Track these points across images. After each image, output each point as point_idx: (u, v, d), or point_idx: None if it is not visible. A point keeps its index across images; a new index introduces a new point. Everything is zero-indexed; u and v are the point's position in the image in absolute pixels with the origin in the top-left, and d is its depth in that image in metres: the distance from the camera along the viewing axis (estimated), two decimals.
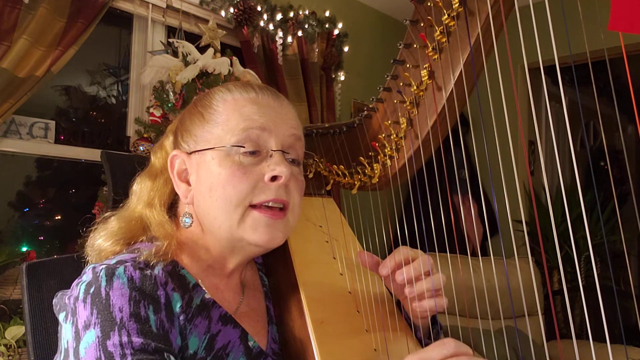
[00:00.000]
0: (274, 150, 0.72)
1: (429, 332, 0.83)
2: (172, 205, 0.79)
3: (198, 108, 0.76)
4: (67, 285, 0.66)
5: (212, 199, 0.71)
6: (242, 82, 0.79)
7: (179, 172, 0.75)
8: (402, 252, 0.76)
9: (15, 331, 1.65)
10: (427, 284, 0.74)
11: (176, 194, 0.78)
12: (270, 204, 0.71)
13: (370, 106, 0.87)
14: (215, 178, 0.70)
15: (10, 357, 1.64)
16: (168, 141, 0.81)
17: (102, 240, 0.73)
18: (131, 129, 2.24)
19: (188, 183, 0.75)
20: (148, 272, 0.64)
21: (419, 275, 0.74)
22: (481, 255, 3.22)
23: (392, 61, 0.81)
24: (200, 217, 0.74)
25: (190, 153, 0.74)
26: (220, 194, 0.70)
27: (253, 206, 0.71)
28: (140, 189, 0.78)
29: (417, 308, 0.76)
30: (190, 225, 0.74)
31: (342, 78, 2.88)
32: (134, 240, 0.74)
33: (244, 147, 0.71)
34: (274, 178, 0.71)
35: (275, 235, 0.72)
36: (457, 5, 0.70)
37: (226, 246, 0.74)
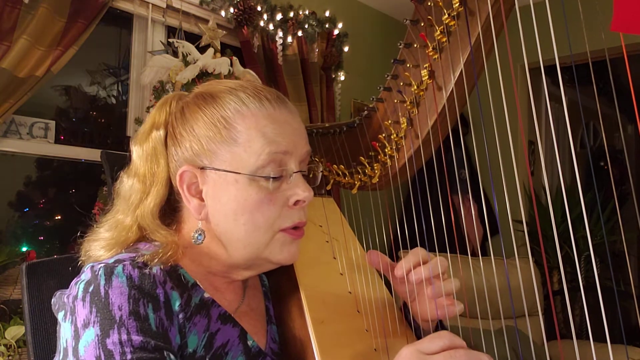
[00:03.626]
0: (295, 172, 0.72)
1: None
2: (172, 210, 0.76)
3: (208, 117, 0.71)
4: (67, 285, 0.65)
5: (237, 222, 0.69)
6: (250, 88, 0.73)
7: (189, 186, 0.71)
8: (418, 253, 0.76)
9: (15, 331, 1.65)
10: (446, 286, 0.74)
11: (170, 197, 0.74)
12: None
13: (371, 106, 0.87)
14: (241, 203, 0.69)
15: (10, 357, 1.64)
16: (156, 134, 0.73)
17: (101, 253, 0.71)
18: (131, 129, 2.24)
19: (199, 198, 0.71)
20: (146, 270, 0.64)
21: (430, 277, 0.74)
22: (481, 255, 3.22)
23: (392, 61, 0.81)
24: (220, 235, 0.71)
25: (204, 168, 0.70)
26: (247, 219, 0.69)
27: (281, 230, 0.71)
28: (130, 193, 0.73)
29: (433, 311, 0.76)
30: (202, 242, 0.72)
31: (342, 78, 2.88)
32: (131, 242, 0.72)
33: (271, 177, 0.69)
34: (297, 202, 0.71)
35: (296, 252, 0.74)
36: (457, 4, 0.70)
37: (244, 263, 0.73)
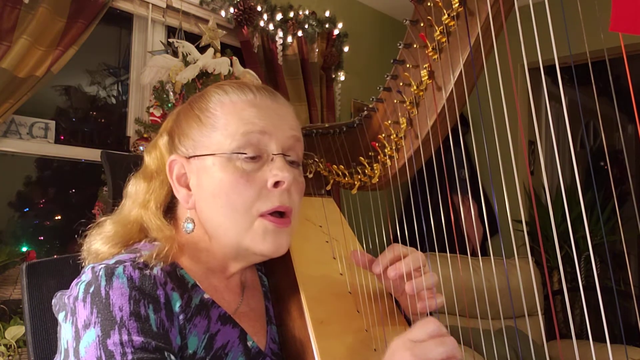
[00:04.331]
0: (275, 154, 0.71)
1: None
2: (170, 208, 0.78)
3: (194, 111, 0.75)
4: (67, 285, 0.66)
5: (216, 205, 0.70)
6: (237, 82, 0.77)
7: (178, 177, 0.74)
8: (395, 249, 0.76)
9: (15, 331, 1.65)
10: (425, 280, 0.74)
11: (173, 196, 0.77)
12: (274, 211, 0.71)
13: (370, 106, 0.87)
14: (218, 185, 0.70)
15: (10, 357, 1.64)
16: (162, 141, 0.79)
17: (99, 245, 0.72)
18: (131, 129, 2.24)
19: (188, 188, 0.74)
20: (147, 272, 0.64)
21: (410, 272, 0.74)
22: (481, 255, 3.22)
23: (392, 61, 0.81)
24: (204, 222, 0.73)
25: (189, 157, 0.73)
26: (224, 201, 0.69)
27: (261, 215, 0.70)
28: (136, 191, 0.76)
29: (416, 306, 0.76)
30: (192, 231, 0.73)
31: (342, 78, 2.88)
32: (132, 241, 0.73)
33: (245, 153, 0.70)
34: (276, 183, 0.70)
35: (281, 244, 0.72)
36: (457, 5, 0.70)
37: (230, 252, 0.74)
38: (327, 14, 2.79)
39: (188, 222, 0.73)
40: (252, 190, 0.69)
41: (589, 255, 2.99)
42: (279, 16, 2.56)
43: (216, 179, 0.70)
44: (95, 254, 0.72)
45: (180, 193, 0.74)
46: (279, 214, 0.72)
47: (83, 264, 0.73)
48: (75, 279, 0.65)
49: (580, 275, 3.07)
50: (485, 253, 3.30)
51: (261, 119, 0.72)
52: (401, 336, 0.59)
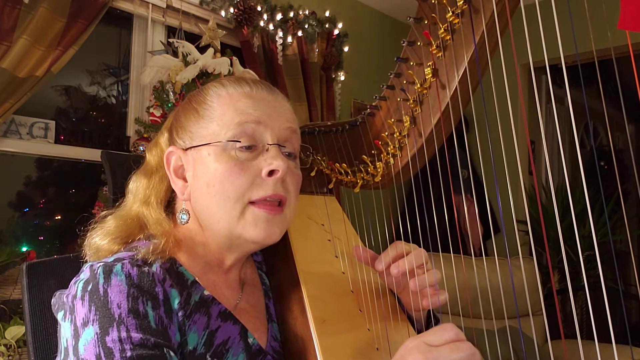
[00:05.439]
0: (270, 144, 0.72)
1: (427, 325, 0.83)
2: (169, 203, 0.79)
3: (192, 104, 0.76)
4: (67, 285, 0.66)
5: (209, 194, 0.70)
6: (235, 77, 0.78)
7: (175, 169, 0.75)
8: (397, 247, 0.76)
9: (15, 331, 1.65)
10: (428, 277, 0.74)
11: (173, 191, 0.78)
12: (267, 199, 0.71)
13: (374, 104, 0.87)
14: (212, 174, 0.70)
15: (10, 357, 1.63)
16: (163, 138, 0.80)
17: (99, 240, 0.73)
18: (131, 129, 2.24)
19: (185, 179, 0.75)
20: (146, 269, 0.64)
21: (413, 269, 0.74)
22: (483, 255, 3.21)
23: (395, 59, 0.80)
24: (198, 213, 0.74)
25: (186, 149, 0.74)
26: (217, 190, 0.70)
27: (252, 202, 0.70)
28: (136, 187, 0.78)
29: (418, 302, 0.76)
30: (187, 222, 0.74)
31: (342, 78, 2.88)
32: (132, 238, 0.74)
33: (239, 141, 0.70)
34: (271, 172, 0.70)
35: (273, 231, 0.72)
36: (461, 2, 0.69)
37: (224, 242, 0.74)
38: (327, 14, 2.79)
39: (183, 213, 0.74)
40: (245, 179, 0.70)
41: (589, 254, 2.98)
42: (279, 16, 2.56)
43: (211, 168, 0.70)
44: (96, 249, 0.73)
45: (177, 185, 0.75)
46: (275, 203, 0.72)
47: (84, 258, 0.74)
48: (74, 278, 0.65)
49: (585, 274, 3.06)
50: (486, 253, 3.30)
51: (256, 110, 0.72)
52: (416, 337, 0.58)
